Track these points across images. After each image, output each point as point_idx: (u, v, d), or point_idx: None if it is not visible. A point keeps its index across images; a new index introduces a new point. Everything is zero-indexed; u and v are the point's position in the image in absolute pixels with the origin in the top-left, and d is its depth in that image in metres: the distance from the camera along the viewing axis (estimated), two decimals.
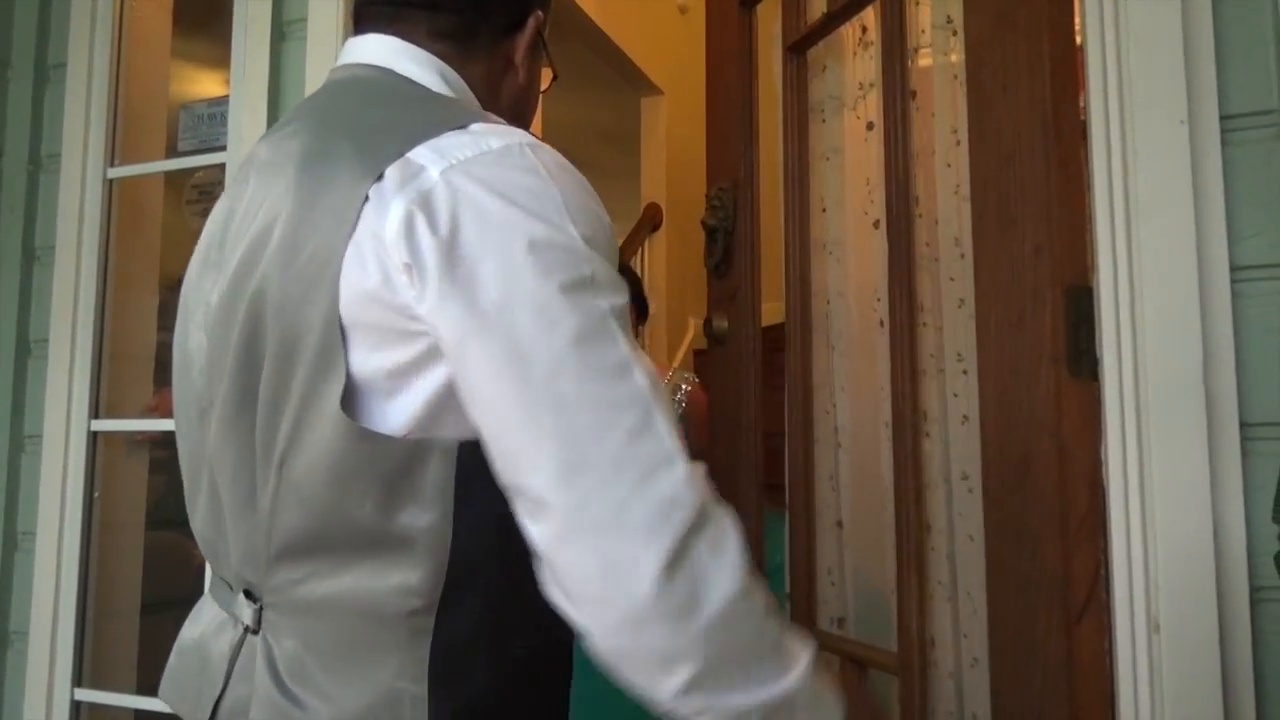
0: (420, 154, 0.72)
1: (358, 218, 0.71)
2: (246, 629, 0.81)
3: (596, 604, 0.64)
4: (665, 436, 0.65)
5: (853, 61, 1.65)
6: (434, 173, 0.71)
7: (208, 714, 0.83)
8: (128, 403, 1.77)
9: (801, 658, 0.69)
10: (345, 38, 1.42)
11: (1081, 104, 1.20)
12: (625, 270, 2.10)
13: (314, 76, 1.53)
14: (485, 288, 0.67)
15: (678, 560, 0.63)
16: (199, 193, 1.88)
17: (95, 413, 1.69)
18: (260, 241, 0.78)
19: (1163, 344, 1.11)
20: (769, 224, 1.69)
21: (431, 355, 0.71)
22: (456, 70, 0.87)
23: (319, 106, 0.86)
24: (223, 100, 1.66)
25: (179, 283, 1.00)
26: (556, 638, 0.79)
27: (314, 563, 0.76)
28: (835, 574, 1.62)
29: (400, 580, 0.74)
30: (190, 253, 0.92)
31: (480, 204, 0.69)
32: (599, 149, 5.35)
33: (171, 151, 1.81)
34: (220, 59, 1.67)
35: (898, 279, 1.38)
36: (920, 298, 1.42)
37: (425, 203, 0.69)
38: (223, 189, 1.59)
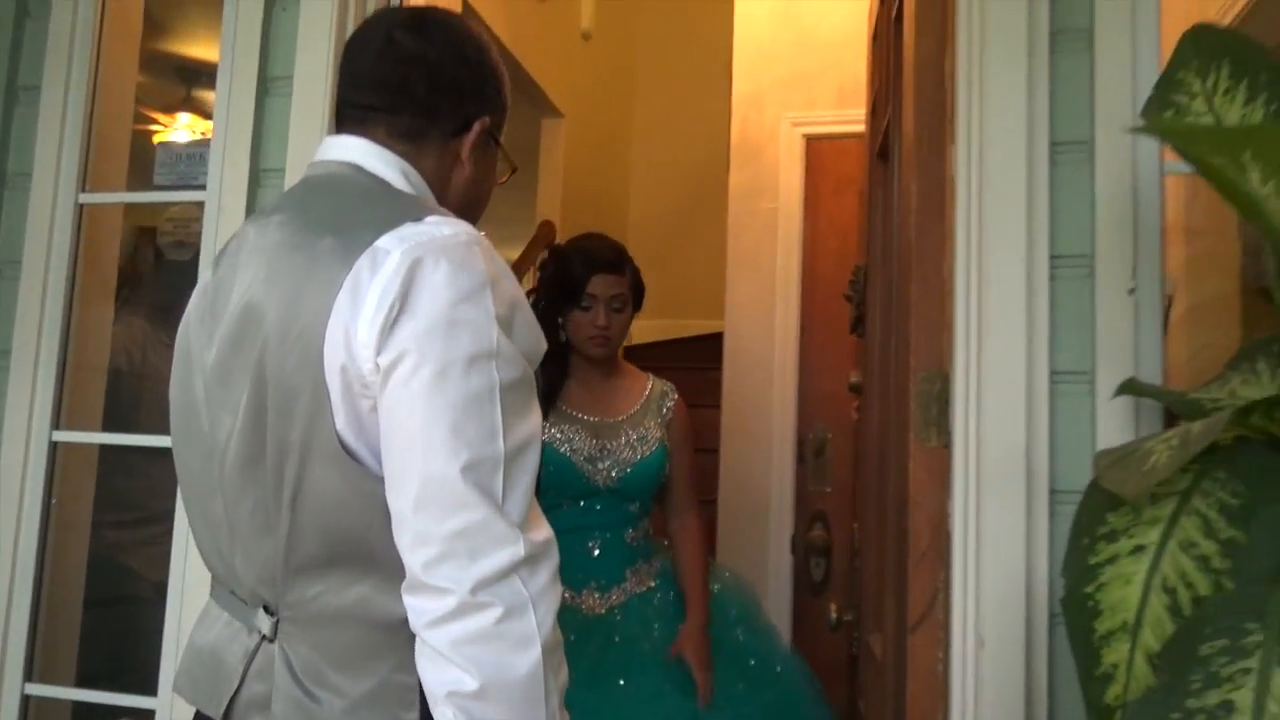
0: (385, 241, 0.93)
1: (334, 301, 0.92)
2: (263, 637, 1.00)
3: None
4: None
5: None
6: (396, 254, 0.92)
7: (223, 707, 1.02)
8: (86, 413, 1.87)
9: None
10: (329, 96, 1.62)
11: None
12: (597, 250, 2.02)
13: (297, 133, 1.69)
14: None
15: None
16: (174, 225, 1.98)
17: (56, 424, 1.79)
18: (252, 317, 0.98)
19: (997, 425, 1.45)
20: None
21: None
22: (414, 164, 1.08)
23: (301, 200, 1.06)
24: (203, 143, 1.79)
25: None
26: None
27: (326, 581, 0.96)
28: None
29: (400, 593, 0.91)
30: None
31: (427, 275, 0.91)
32: None
33: (136, 180, 1.91)
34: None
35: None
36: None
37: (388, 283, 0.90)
38: (199, 225, 1.73)
